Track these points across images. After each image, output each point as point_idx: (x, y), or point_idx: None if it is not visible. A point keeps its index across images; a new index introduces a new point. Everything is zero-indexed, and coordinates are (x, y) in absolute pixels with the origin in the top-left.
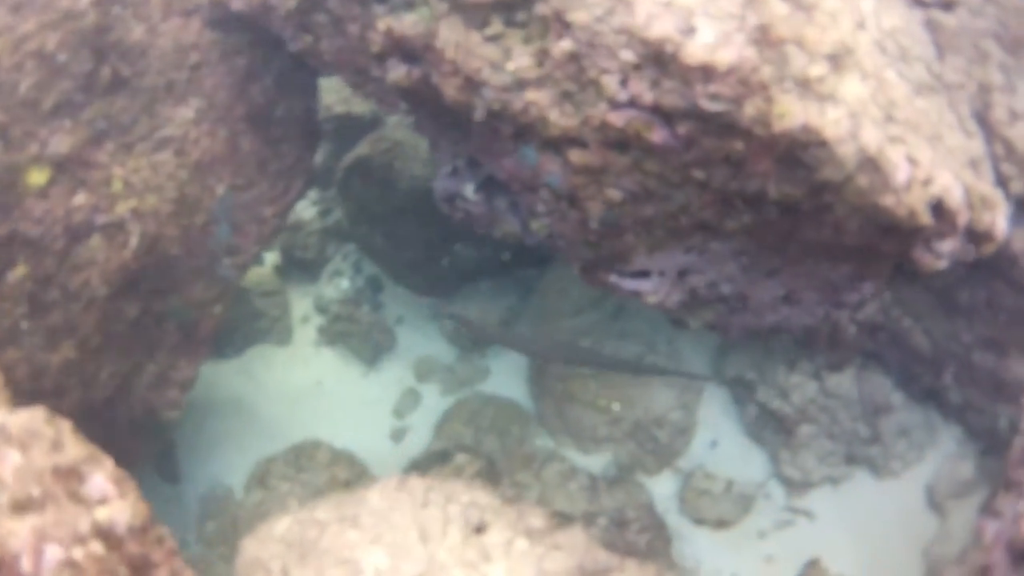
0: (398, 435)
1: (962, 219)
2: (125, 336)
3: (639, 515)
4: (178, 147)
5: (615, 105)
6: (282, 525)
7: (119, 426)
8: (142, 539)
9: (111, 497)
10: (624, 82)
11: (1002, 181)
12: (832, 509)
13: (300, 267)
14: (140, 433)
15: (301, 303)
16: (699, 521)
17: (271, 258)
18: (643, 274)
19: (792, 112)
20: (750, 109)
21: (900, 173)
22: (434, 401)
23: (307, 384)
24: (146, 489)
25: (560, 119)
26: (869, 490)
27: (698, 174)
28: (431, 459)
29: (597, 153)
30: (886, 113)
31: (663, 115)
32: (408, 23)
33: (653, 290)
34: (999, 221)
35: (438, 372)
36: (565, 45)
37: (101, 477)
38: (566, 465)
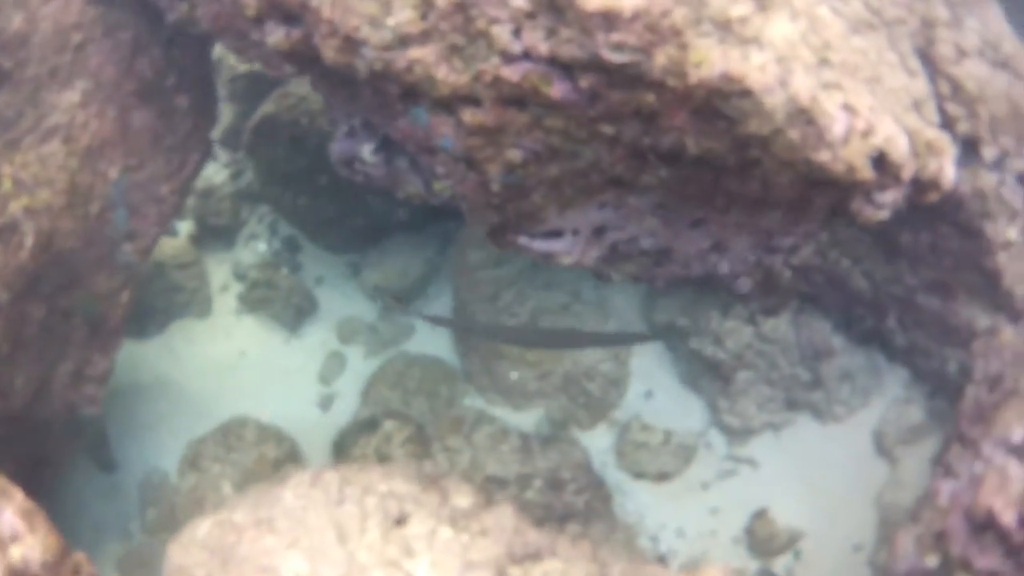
0: (326, 403)
1: (907, 171)
2: (35, 339)
3: (575, 475)
4: (66, 134)
5: (508, 58)
6: (203, 529)
7: (42, 430)
8: (57, 573)
9: (22, 534)
10: (517, 32)
11: (947, 122)
12: (776, 456)
13: (215, 234)
14: (65, 432)
15: (219, 271)
16: (639, 475)
17: (185, 227)
18: (555, 234)
19: (710, 59)
20: (661, 58)
21: (837, 125)
22: (359, 364)
23: (231, 356)
24: (84, 480)
25: (449, 77)
26: (813, 436)
27: (606, 129)
28: (359, 428)
29: (492, 112)
30: (820, 56)
31: (562, 67)
32: None
33: (566, 250)
34: (947, 168)
35: (362, 333)
36: None
37: (10, 513)
38: (497, 427)
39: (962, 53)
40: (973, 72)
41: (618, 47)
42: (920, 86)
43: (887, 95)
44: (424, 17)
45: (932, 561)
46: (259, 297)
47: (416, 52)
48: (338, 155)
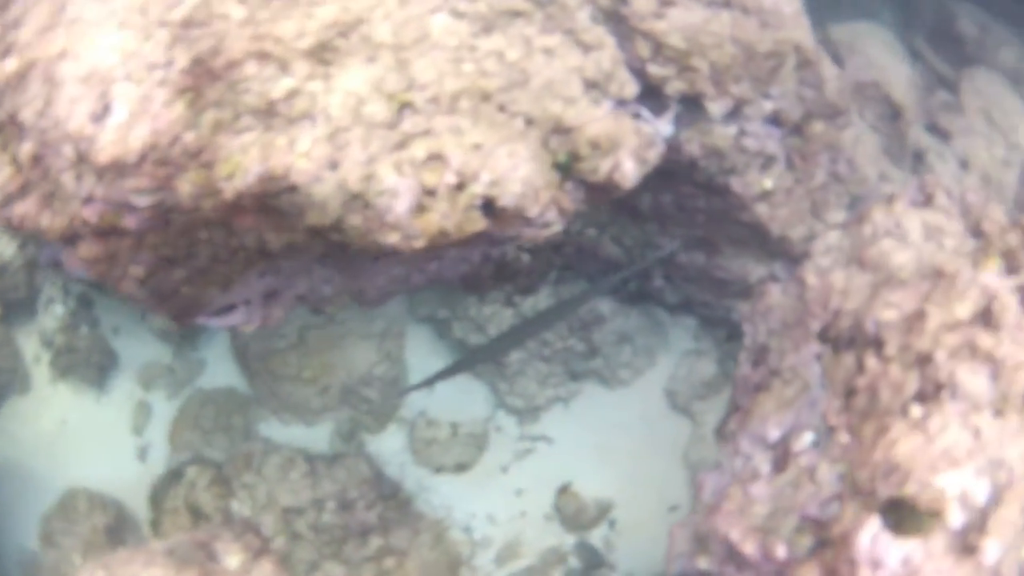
0: (142, 454)
1: (532, 208)
2: None
3: (362, 492)
4: None
5: (84, 201)
6: None
7: None
8: None
9: None
10: (79, 178)
11: (652, 87)
12: (570, 429)
13: (17, 308)
14: None
15: (29, 343)
16: (438, 469)
17: None
18: (228, 309)
19: (243, 165)
20: (186, 187)
21: (399, 203)
22: (164, 408)
23: (55, 426)
24: None
25: (53, 223)
26: (604, 403)
27: (202, 235)
28: (168, 480)
29: (97, 244)
30: (400, 103)
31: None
32: None
33: (245, 320)
34: (624, 166)
35: (161, 376)
36: (27, 148)
37: None
38: (284, 455)
39: (666, 3)
40: (679, 23)
41: (137, 192)
42: (602, 59)
43: (539, 94)
44: (19, 171)
45: (704, 563)
46: (65, 363)
47: (20, 207)
48: (45, 260)
